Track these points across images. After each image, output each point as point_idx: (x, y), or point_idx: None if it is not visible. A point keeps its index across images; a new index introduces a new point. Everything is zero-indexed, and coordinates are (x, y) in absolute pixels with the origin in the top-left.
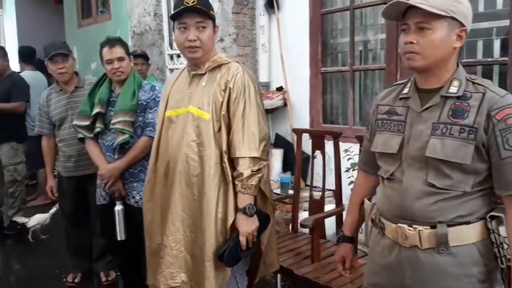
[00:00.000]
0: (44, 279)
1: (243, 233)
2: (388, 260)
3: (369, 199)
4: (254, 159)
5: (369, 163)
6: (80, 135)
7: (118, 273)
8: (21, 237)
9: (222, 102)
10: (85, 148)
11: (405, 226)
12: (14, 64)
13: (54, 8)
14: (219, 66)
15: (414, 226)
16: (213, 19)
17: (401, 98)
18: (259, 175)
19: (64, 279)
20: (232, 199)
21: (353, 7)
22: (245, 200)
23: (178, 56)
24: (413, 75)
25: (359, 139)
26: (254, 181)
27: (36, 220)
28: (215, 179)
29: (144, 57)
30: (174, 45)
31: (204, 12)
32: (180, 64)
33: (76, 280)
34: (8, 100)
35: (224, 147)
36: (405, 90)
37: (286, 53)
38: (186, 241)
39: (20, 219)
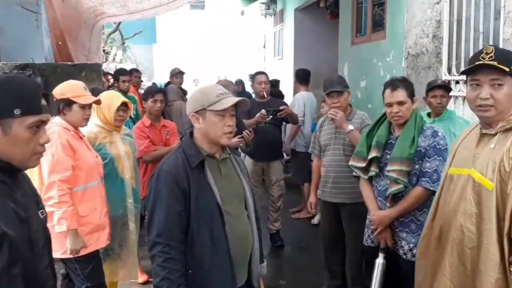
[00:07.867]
0: None
1: None
2: None
3: None
4: None
5: None
6: (354, 174)
7: None
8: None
9: (510, 172)
10: (342, 178)
11: None
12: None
13: (329, 23)
14: None
15: None
16: None
17: None
18: None
19: None
20: None
21: None
22: None
23: (457, 82)
24: None
25: None
26: None
27: None
28: (495, 258)
29: (444, 88)
30: (453, 70)
31: (502, 69)
32: (459, 91)
33: None
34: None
35: (506, 227)
36: None
37: None
38: None
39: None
